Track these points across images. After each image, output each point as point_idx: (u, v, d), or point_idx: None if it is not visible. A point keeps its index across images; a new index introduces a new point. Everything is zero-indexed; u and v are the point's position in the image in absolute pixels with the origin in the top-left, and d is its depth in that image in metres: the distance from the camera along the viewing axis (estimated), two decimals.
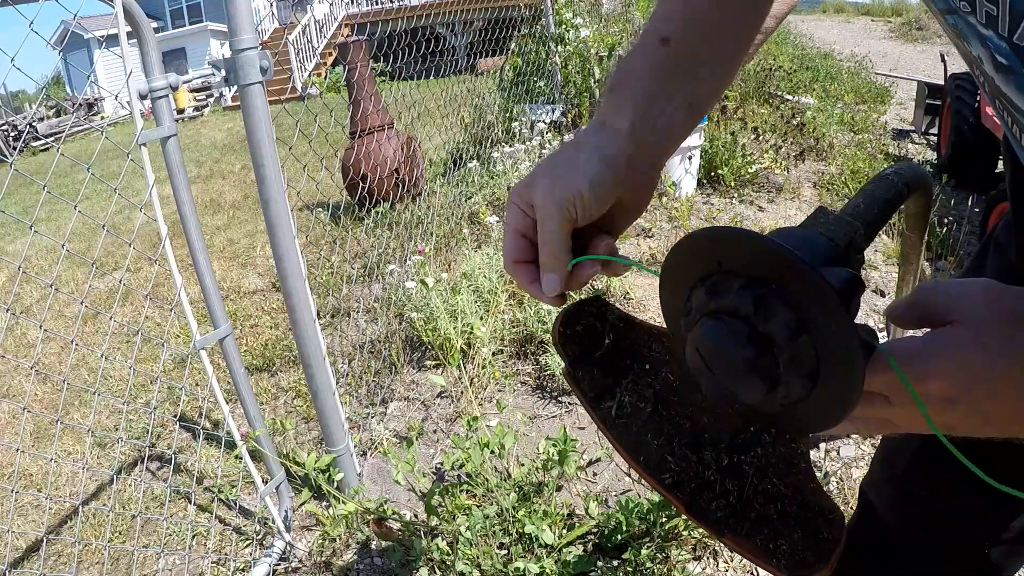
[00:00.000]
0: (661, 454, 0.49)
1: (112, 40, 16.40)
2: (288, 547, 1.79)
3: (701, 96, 0.54)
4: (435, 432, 2.23)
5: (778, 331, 0.35)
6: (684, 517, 1.52)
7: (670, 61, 0.52)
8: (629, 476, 1.87)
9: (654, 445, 0.50)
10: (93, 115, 15.68)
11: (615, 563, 1.54)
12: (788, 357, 0.36)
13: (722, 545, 1.59)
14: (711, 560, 1.58)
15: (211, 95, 15.12)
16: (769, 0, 0.56)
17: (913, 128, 5.97)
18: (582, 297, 0.54)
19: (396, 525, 1.65)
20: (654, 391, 0.51)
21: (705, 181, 4.28)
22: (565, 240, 0.49)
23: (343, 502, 1.65)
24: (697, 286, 0.39)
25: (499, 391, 2.38)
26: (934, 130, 5.43)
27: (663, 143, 0.53)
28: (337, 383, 1.91)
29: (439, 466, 2.03)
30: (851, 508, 1.71)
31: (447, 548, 1.52)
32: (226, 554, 1.81)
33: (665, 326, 0.50)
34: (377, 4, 15.24)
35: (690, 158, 3.97)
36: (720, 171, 4.22)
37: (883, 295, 2.85)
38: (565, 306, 0.52)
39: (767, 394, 0.37)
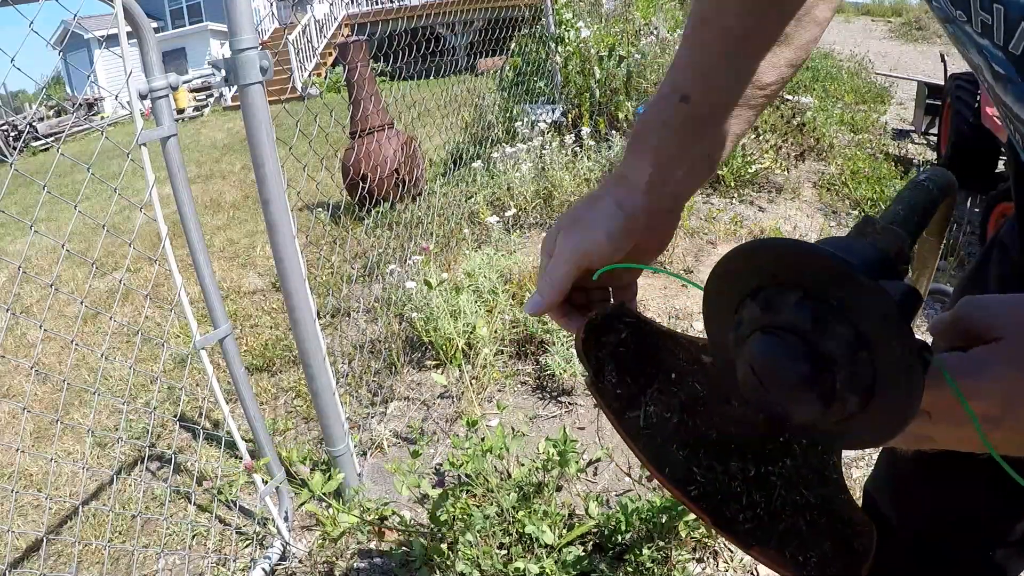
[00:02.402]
0: (687, 465, 0.48)
1: (112, 40, 16.39)
2: (288, 547, 1.79)
3: (719, 148, 0.57)
4: (435, 432, 2.23)
5: (837, 348, 0.34)
6: (687, 519, 1.52)
7: (690, 119, 0.54)
8: (629, 476, 1.87)
9: (679, 456, 0.48)
10: (93, 115, 15.68)
11: (615, 563, 1.54)
12: (847, 374, 0.35)
13: (723, 545, 1.59)
14: (711, 560, 1.58)
15: (211, 95, 15.12)
16: (784, 49, 0.57)
17: (913, 128, 5.97)
18: (606, 307, 0.53)
19: (396, 526, 1.65)
20: (680, 401, 0.50)
21: None
22: (566, 279, 0.53)
23: (343, 512, 1.64)
24: (747, 299, 0.38)
25: (499, 391, 2.38)
26: (934, 130, 5.43)
27: (682, 192, 0.56)
28: (337, 383, 1.91)
29: (438, 467, 2.03)
30: None
31: (447, 549, 1.52)
32: (226, 554, 1.81)
33: (688, 335, 0.50)
34: (377, 4, 15.23)
35: None
36: (720, 171, 4.22)
37: None
38: (590, 315, 0.52)
39: (821, 412, 0.36)
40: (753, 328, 0.37)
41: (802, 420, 0.37)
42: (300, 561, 1.76)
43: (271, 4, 16.34)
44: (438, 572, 1.51)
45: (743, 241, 3.48)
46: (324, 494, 1.63)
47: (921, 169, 0.56)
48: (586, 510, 1.65)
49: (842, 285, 0.34)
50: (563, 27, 4.78)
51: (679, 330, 0.63)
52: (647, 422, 0.50)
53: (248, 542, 1.86)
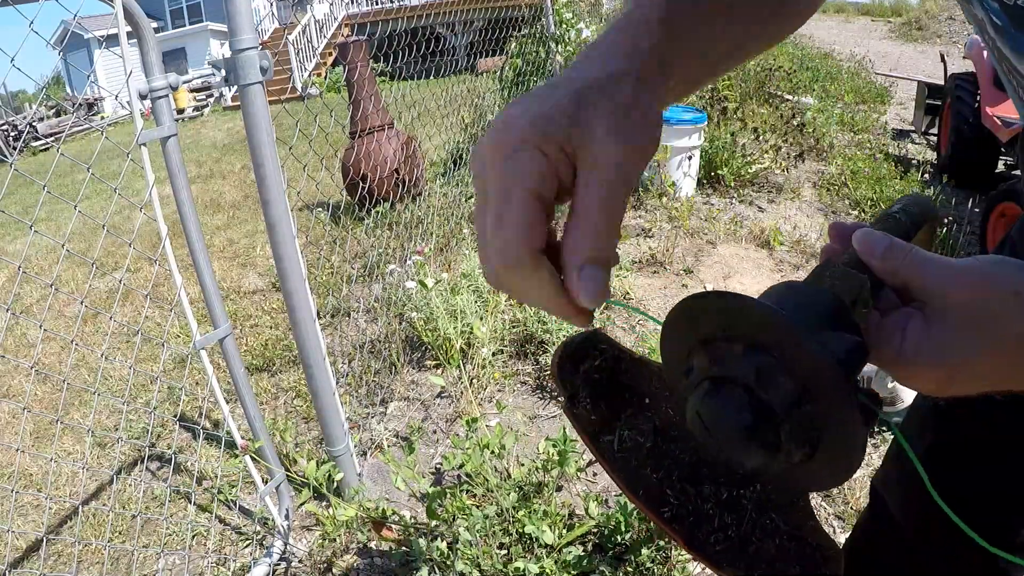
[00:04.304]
0: (660, 488, 0.50)
1: (112, 40, 16.40)
2: (288, 547, 1.79)
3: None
4: (435, 432, 2.23)
5: (779, 401, 0.35)
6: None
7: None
8: None
9: (653, 479, 0.50)
10: (93, 115, 15.68)
11: (615, 563, 1.54)
12: (789, 427, 0.36)
13: None
14: None
15: (211, 95, 15.11)
16: None
17: (913, 128, 5.97)
18: (582, 331, 0.54)
19: (396, 526, 1.65)
20: (653, 425, 0.51)
21: (705, 181, 4.27)
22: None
23: (343, 507, 1.64)
24: (698, 347, 0.39)
25: (499, 391, 2.38)
26: (934, 130, 5.42)
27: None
28: (337, 383, 1.91)
29: (438, 467, 2.03)
30: (852, 508, 1.71)
31: (447, 549, 1.52)
32: (226, 554, 1.81)
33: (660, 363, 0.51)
34: (377, 4, 15.23)
35: (690, 158, 3.97)
36: (720, 171, 4.22)
37: None
38: (565, 340, 0.53)
39: (767, 461, 0.37)
40: (701, 377, 0.38)
41: (749, 467, 0.38)
42: (300, 561, 1.76)
43: (271, 4, 16.34)
44: (438, 572, 1.51)
45: (742, 242, 3.48)
46: (324, 491, 1.63)
47: (911, 192, 0.56)
48: (586, 510, 1.65)
49: (784, 341, 0.35)
50: (563, 27, 4.78)
51: None
52: (621, 446, 0.51)
53: (248, 542, 1.86)
